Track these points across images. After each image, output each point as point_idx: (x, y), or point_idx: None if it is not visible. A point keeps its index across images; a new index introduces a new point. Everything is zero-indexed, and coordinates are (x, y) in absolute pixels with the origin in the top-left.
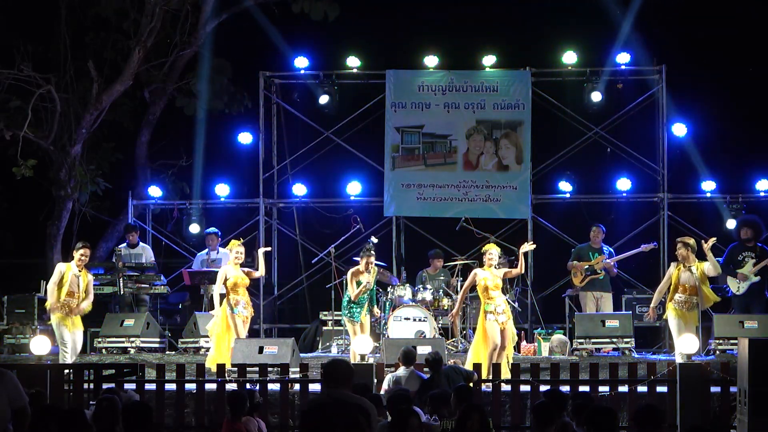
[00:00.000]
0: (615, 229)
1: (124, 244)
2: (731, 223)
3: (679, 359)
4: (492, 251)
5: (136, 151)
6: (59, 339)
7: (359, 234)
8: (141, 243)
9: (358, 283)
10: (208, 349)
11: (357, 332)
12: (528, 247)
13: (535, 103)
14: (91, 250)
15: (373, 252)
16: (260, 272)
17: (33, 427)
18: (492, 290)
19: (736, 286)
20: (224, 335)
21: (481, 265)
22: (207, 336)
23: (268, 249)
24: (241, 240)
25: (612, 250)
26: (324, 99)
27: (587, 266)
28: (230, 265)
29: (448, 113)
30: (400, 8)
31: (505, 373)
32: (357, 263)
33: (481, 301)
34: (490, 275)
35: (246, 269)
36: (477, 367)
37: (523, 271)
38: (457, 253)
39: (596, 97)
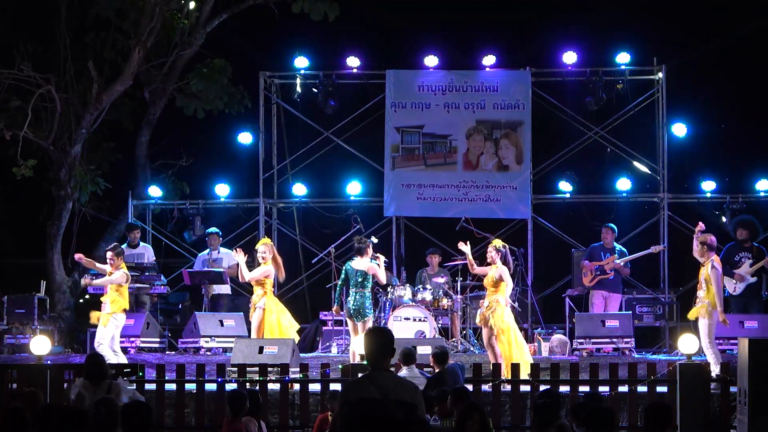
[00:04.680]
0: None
1: (125, 244)
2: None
3: (714, 367)
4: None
5: (136, 151)
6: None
7: (359, 234)
8: (142, 243)
9: None
10: (208, 350)
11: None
12: (464, 247)
13: (535, 103)
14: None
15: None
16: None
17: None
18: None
19: (732, 287)
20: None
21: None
22: (207, 336)
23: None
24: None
25: (625, 250)
26: (324, 99)
27: (597, 266)
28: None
29: (448, 113)
30: (400, 8)
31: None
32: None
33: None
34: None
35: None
36: (478, 367)
37: (475, 271)
38: (457, 253)
39: (596, 97)
